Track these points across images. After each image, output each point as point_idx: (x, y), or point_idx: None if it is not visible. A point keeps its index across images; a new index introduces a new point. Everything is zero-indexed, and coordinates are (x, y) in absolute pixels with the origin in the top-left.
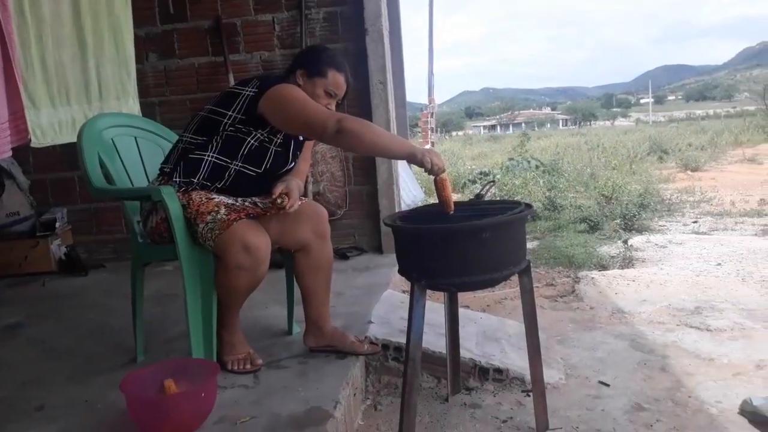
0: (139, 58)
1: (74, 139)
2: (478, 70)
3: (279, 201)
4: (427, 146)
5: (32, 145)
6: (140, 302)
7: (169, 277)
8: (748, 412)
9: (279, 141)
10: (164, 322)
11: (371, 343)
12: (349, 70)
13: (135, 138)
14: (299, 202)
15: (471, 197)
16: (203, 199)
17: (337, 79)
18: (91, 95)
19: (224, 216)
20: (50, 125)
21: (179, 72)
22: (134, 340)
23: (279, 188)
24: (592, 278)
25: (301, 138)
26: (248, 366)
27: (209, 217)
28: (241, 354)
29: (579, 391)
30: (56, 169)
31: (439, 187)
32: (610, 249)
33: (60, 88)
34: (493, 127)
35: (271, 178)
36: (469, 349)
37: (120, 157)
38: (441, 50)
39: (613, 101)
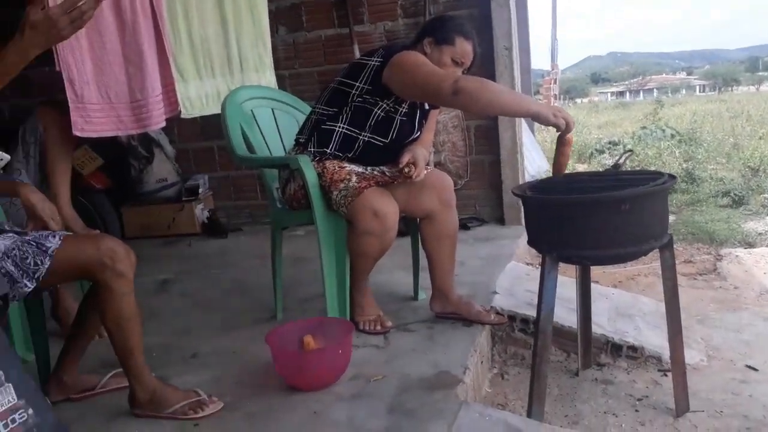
0: (270, 32)
1: (219, 110)
2: (605, 33)
3: (406, 170)
4: None
5: (182, 116)
6: (279, 264)
7: (300, 241)
8: None
9: (404, 111)
10: (298, 283)
11: (497, 313)
12: (476, 38)
13: (272, 109)
14: (425, 171)
15: (600, 168)
16: (336, 167)
17: (465, 47)
18: (233, 68)
19: (356, 183)
20: (198, 97)
21: (307, 45)
22: (273, 299)
23: (406, 157)
24: (737, 256)
25: (426, 107)
26: (378, 327)
27: (342, 185)
28: (371, 315)
29: (723, 374)
30: (198, 140)
31: (564, 144)
32: (757, 225)
33: (206, 62)
34: (621, 93)
35: (397, 148)
36: (601, 324)
37: (259, 128)
38: (565, 13)
39: (759, 64)
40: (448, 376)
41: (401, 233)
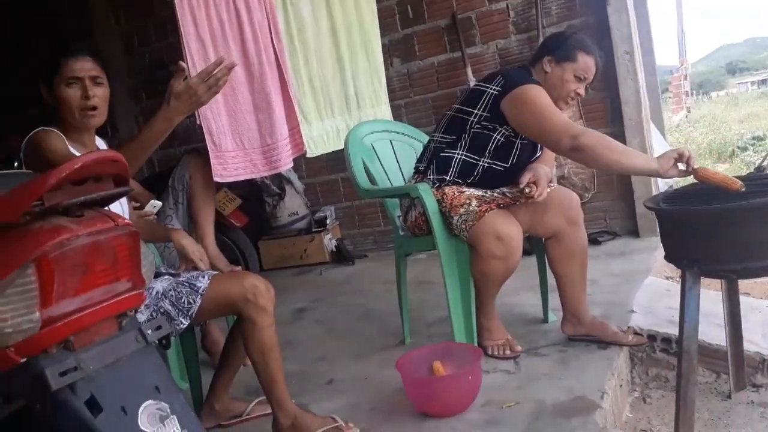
0: (385, 65)
1: (340, 147)
2: (739, 18)
3: (527, 190)
4: (682, 113)
5: (307, 155)
6: (405, 289)
7: (423, 264)
8: None
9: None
10: (424, 307)
11: (636, 333)
12: (597, 51)
13: (390, 141)
14: (548, 190)
15: (745, 167)
16: (455, 192)
17: (587, 62)
18: (350, 105)
19: (476, 207)
20: (320, 136)
21: (420, 73)
22: (401, 324)
23: (527, 177)
24: None
25: None
26: (508, 352)
27: (462, 210)
28: (500, 340)
29: None
30: (323, 173)
31: (704, 179)
32: None
33: (326, 103)
34: (763, 82)
35: (519, 170)
36: (755, 341)
37: (379, 160)
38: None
39: None
40: (585, 402)
41: (526, 252)
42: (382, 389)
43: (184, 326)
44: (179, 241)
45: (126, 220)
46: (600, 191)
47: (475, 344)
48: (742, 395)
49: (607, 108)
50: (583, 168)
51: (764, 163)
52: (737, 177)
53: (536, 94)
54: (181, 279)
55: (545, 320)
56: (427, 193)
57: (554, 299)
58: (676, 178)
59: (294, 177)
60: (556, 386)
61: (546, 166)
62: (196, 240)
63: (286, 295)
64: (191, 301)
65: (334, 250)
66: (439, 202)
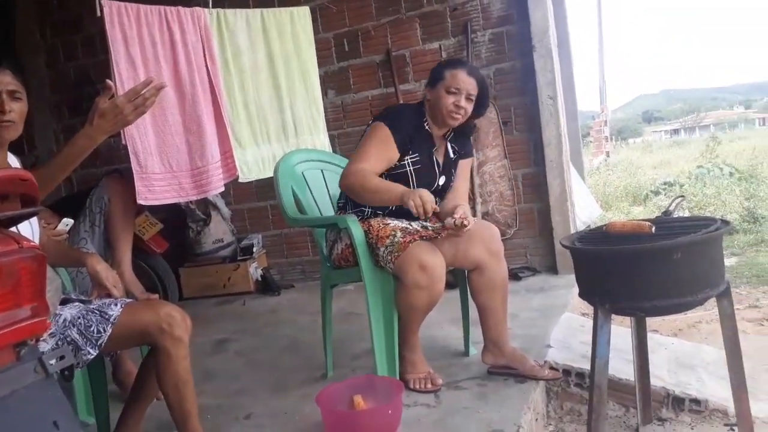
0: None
1: None
2: (656, 71)
3: (466, 223)
4: (601, 156)
5: (240, 180)
6: (329, 321)
7: (351, 295)
8: None
9: (411, 161)
10: (349, 339)
11: (551, 368)
12: (471, 67)
13: (322, 171)
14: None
15: (656, 210)
16: (381, 224)
17: (454, 75)
18: (288, 133)
19: (400, 239)
20: (255, 162)
21: (355, 105)
22: (324, 357)
23: (459, 212)
24: None
25: (451, 154)
26: (429, 385)
27: (388, 241)
28: (422, 373)
29: None
30: (252, 200)
31: (618, 232)
32: None
33: (261, 129)
34: (675, 131)
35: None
36: (661, 377)
37: (309, 189)
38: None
39: None
40: None
41: (450, 285)
42: (301, 424)
43: (92, 357)
44: (93, 266)
45: (31, 243)
46: (521, 228)
47: (398, 377)
48: (648, 429)
49: (530, 149)
50: (506, 205)
51: (671, 208)
52: (647, 220)
53: (370, 132)
54: (92, 306)
55: (466, 353)
56: (354, 224)
57: (475, 332)
58: (593, 216)
59: (221, 202)
60: (475, 420)
61: (464, 203)
62: (111, 265)
63: (206, 325)
64: (101, 330)
65: (260, 279)
66: (366, 233)
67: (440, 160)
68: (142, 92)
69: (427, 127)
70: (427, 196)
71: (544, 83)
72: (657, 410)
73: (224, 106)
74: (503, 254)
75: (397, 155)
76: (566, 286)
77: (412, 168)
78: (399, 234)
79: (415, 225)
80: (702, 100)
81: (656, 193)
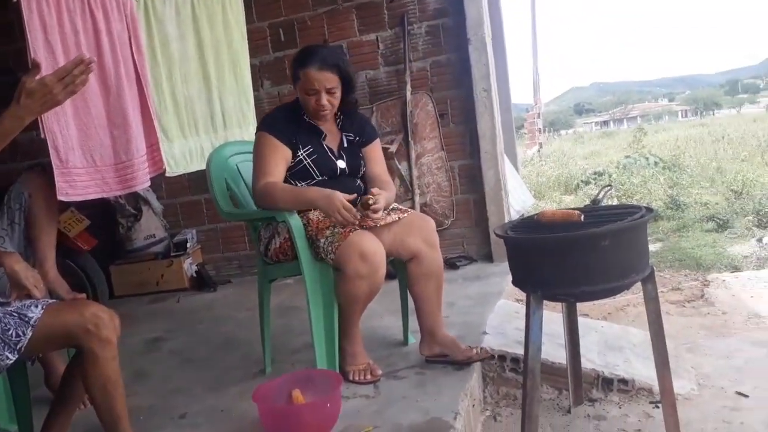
0: (255, 86)
1: (203, 167)
2: (587, 64)
3: (371, 201)
4: (535, 148)
5: (167, 174)
6: (267, 317)
7: (290, 289)
8: None
9: (307, 153)
10: (288, 333)
11: (478, 349)
12: (323, 56)
13: None
14: (404, 215)
15: (586, 202)
16: (320, 217)
17: (306, 74)
18: (216, 125)
19: (341, 229)
20: (182, 155)
21: (291, 96)
22: (262, 352)
23: (373, 191)
24: (723, 281)
25: (345, 143)
26: (369, 376)
27: (328, 232)
28: (361, 365)
29: (714, 403)
30: (185, 194)
31: (549, 221)
32: (742, 248)
33: (189, 121)
34: (605, 123)
35: (347, 180)
36: (591, 359)
37: (244, 182)
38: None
39: (738, 87)
40: (440, 423)
41: (391, 276)
42: (239, 421)
43: (11, 362)
44: (11, 266)
45: None
46: (458, 218)
47: (337, 370)
48: (580, 410)
49: (466, 141)
50: (444, 196)
51: (599, 196)
52: (577, 209)
53: (256, 145)
54: (10, 308)
55: (405, 343)
56: (293, 217)
57: (414, 322)
58: (526, 206)
59: (152, 197)
60: (413, 409)
61: (385, 191)
62: (33, 265)
63: (138, 324)
64: (20, 333)
65: (195, 275)
66: (305, 226)
67: (334, 147)
68: (73, 71)
69: (308, 120)
70: (338, 204)
71: (479, 76)
72: (588, 391)
73: (151, 97)
74: (439, 245)
75: (290, 152)
76: (501, 274)
77: (308, 159)
78: (339, 225)
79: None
80: (630, 93)
81: (587, 182)
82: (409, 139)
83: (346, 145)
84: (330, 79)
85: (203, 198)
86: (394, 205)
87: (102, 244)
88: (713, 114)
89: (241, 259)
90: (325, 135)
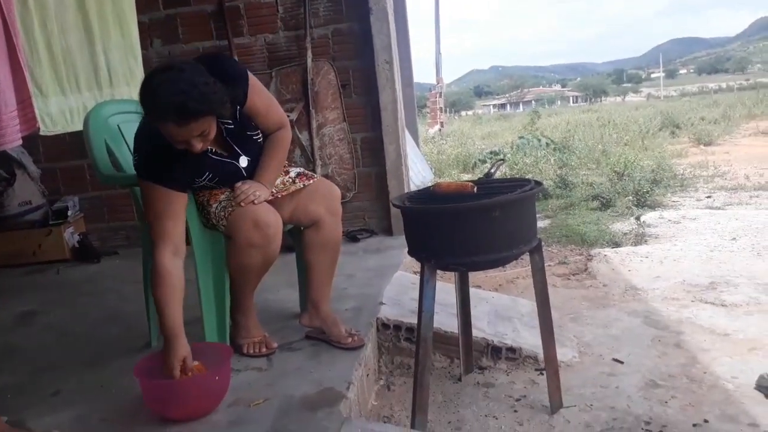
0: (144, 44)
1: None
2: (487, 48)
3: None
4: (437, 127)
5: (41, 133)
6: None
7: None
8: (765, 386)
9: (208, 179)
10: None
11: (353, 336)
12: (177, 107)
13: None
14: (297, 182)
15: (481, 176)
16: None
17: (167, 131)
18: (101, 82)
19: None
20: (60, 113)
21: (184, 57)
22: (148, 326)
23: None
24: (605, 256)
25: (224, 134)
26: (263, 350)
27: (222, 197)
28: (256, 337)
29: (593, 369)
30: (66, 158)
31: (445, 191)
32: (622, 226)
33: (69, 75)
34: (502, 105)
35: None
36: (482, 328)
37: (127, 144)
38: (448, 28)
39: (623, 77)
40: (332, 393)
41: (288, 248)
42: (119, 398)
43: None
44: None
45: None
46: (360, 191)
47: (228, 343)
48: (470, 377)
49: (368, 114)
50: (346, 169)
51: (492, 170)
52: (470, 181)
53: (142, 195)
54: None
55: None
56: None
57: None
58: (426, 180)
59: (27, 160)
60: (306, 380)
61: (268, 174)
62: None
63: (11, 297)
64: None
65: (77, 245)
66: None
67: (224, 149)
68: None
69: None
70: (170, 364)
71: (381, 47)
72: (478, 360)
73: (20, 47)
74: (340, 214)
75: (186, 195)
76: (400, 247)
77: (212, 183)
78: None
79: None
80: (526, 77)
81: (483, 161)
82: (310, 108)
83: (225, 135)
84: (198, 127)
85: (86, 163)
86: (300, 169)
87: None
88: (601, 101)
89: (129, 230)
90: (211, 149)
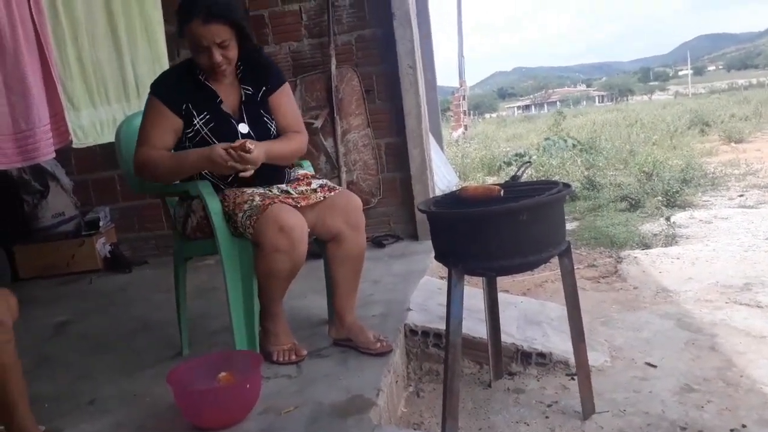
0: (171, 55)
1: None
2: (510, 49)
3: (245, 148)
4: (460, 130)
5: (74, 145)
6: (183, 297)
7: (211, 270)
8: None
9: (204, 122)
10: (208, 315)
11: (380, 340)
12: (206, 8)
13: None
14: (318, 192)
15: (507, 179)
16: (237, 192)
17: (191, 30)
18: (129, 93)
19: (259, 202)
20: (92, 125)
21: None
22: (179, 334)
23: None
24: (635, 257)
25: (244, 99)
26: (293, 357)
27: (246, 206)
28: (285, 345)
29: (625, 373)
30: (97, 169)
31: (472, 195)
32: (652, 227)
33: (99, 88)
34: (527, 107)
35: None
36: (511, 333)
37: None
38: (471, 30)
39: (650, 75)
40: (362, 400)
41: (316, 255)
42: (153, 406)
43: None
44: None
45: None
46: (385, 197)
47: (257, 351)
48: (500, 383)
49: (392, 119)
50: (370, 174)
51: (518, 173)
52: (497, 184)
53: (145, 108)
54: None
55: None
56: (207, 190)
57: None
58: (451, 185)
59: (60, 172)
60: (335, 387)
61: (274, 142)
62: None
63: (45, 307)
64: None
65: (108, 256)
66: (222, 202)
67: (233, 109)
68: None
69: (205, 81)
70: (220, 161)
71: (404, 52)
72: (507, 365)
73: (54, 62)
74: (363, 226)
75: (180, 122)
76: (426, 252)
77: (206, 129)
78: (258, 198)
79: (275, 191)
80: (550, 78)
81: (509, 164)
82: (335, 114)
83: (245, 100)
84: (220, 32)
85: (117, 174)
86: (324, 181)
87: (4, 223)
88: (627, 100)
89: (159, 239)
90: (221, 100)
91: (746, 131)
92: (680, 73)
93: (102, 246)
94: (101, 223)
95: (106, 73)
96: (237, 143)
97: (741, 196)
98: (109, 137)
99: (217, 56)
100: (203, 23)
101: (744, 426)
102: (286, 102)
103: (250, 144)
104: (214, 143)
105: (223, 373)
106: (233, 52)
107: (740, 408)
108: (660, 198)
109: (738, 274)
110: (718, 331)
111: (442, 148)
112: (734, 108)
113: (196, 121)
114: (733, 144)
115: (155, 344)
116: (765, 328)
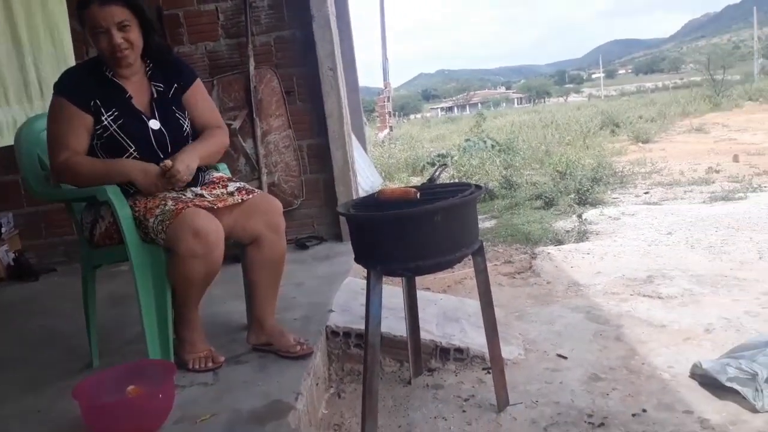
0: (80, 54)
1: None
2: (433, 52)
3: (168, 167)
4: (386, 131)
5: None
6: (93, 307)
7: (125, 277)
8: (698, 375)
9: (112, 119)
10: (120, 324)
11: (301, 343)
12: None
13: None
14: (236, 195)
15: (424, 182)
16: (146, 198)
17: (89, 13)
18: (32, 94)
19: (172, 207)
20: None
21: None
22: (89, 346)
23: (166, 162)
24: (548, 253)
25: (155, 95)
26: (210, 364)
27: (158, 211)
28: (202, 352)
29: (538, 366)
30: None
31: (389, 198)
32: (565, 224)
33: None
34: (450, 108)
35: (167, 144)
36: (430, 330)
37: None
38: (395, 34)
39: (565, 78)
40: (281, 405)
41: (235, 259)
42: (57, 423)
43: None
44: None
45: None
46: (308, 198)
47: (171, 359)
48: (420, 380)
49: (314, 120)
50: (292, 176)
51: (435, 174)
52: (414, 187)
53: (50, 111)
54: None
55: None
56: (116, 194)
57: None
58: (375, 186)
59: None
60: (254, 393)
61: (197, 147)
62: None
63: None
64: None
65: (12, 264)
66: (132, 207)
67: (144, 107)
68: None
69: (111, 76)
70: (154, 179)
71: (324, 54)
72: (427, 362)
73: None
74: (283, 229)
75: (91, 119)
76: (349, 253)
77: (114, 125)
78: (170, 203)
79: (188, 194)
80: (472, 80)
81: (432, 164)
82: (254, 115)
83: (156, 97)
84: (117, 13)
85: (20, 178)
86: (241, 184)
87: None
88: (544, 102)
89: (68, 245)
90: (130, 96)
91: (652, 132)
92: (593, 76)
93: (5, 254)
94: (3, 230)
95: (5, 72)
96: (163, 166)
97: (646, 193)
98: (10, 140)
99: (117, 38)
100: (100, 5)
101: (644, 410)
102: (201, 98)
103: (168, 162)
104: (124, 140)
105: (131, 387)
106: (134, 35)
107: (641, 394)
108: (573, 196)
109: (642, 268)
110: (623, 322)
111: (365, 149)
112: (642, 110)
113: (104, 118)
114: (640, 144)
115: (63, 357)
116: (665, 317)
